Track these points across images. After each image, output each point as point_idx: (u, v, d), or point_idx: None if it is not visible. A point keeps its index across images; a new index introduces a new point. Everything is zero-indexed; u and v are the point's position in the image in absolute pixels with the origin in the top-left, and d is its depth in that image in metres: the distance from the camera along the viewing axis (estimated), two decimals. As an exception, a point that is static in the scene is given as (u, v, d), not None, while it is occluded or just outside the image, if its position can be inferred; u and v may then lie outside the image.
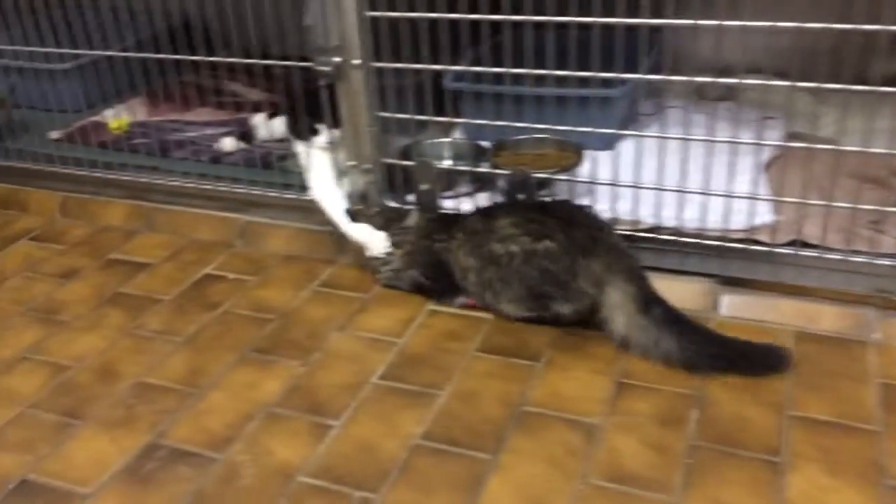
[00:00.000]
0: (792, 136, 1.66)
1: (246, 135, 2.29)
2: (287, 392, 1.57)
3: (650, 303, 1.59)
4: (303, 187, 2.02)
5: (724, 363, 1.54)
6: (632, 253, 1.65)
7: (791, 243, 1.74)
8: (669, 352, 1.55)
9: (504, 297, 1.70)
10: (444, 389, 1.56)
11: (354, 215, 1.91)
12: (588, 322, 1.65)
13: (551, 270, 1.62)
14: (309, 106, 1.89)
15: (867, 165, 1.85)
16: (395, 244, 1.82)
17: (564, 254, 1.61)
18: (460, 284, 1.76)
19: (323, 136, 1.91)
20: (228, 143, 2.28)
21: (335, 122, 1.91)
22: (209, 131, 2.30)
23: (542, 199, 1.77)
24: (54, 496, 1.35)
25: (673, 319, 1.58)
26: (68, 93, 2.26)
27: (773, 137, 1.74)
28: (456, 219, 1.79)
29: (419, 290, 1.83)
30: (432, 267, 1.79)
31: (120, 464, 1.41)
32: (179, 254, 2.09)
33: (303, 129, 1.92)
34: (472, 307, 1.77)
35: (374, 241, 1.87)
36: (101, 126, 2.37)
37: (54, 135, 2.38)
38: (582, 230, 1.63)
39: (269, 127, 2.24)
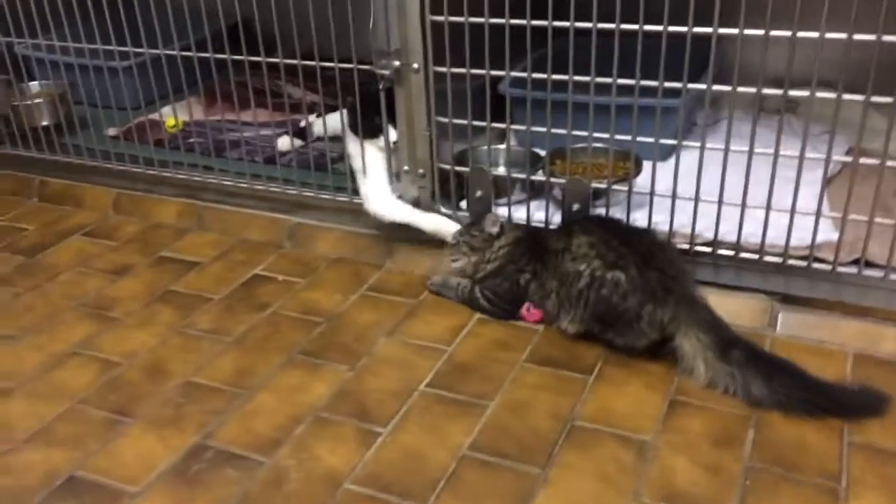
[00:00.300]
0: (856, 152, 1.60)
1: (301, 133, 2.30)
2: (335, 396, 1.56)
3: (729, 346, 1.52)
4: (355, 190, 2.02)
5: (820, 409, 1.46)
6: (705, 303, 1.59)
7: (854, 262, 1.68)
8: (761, 397, 1.48)
9: (565, 313, 1.67)
10: (493, 400, 1.54)
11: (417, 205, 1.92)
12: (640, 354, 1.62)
13: (616, 306, 1.59)
14: (372, 104, 1.88)
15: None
16: (470, 246, 1.81)
17: (633, 292, 1.57)
18: (532, 300, 1.75)
19: (391, 135, 1.90)
20: (283, 142, 2.29)
21: (393, 125, 1.90)
22: (264, 132, 2.31)
23: (626, 223, 1.74)
24: (102, 493, 1.36)
25: (757, 359, 1.51)
26: (127, 90, 2.29)
27: (837, 153, 1.69)
28: (537, 239, 1.77)
29: (469, 304, 1.81)
30: (509, 294, 1.76)
31: (167, 463, 1.41)
32: (229, 253, 2.10)
33: (365, 127, 1.91)
34: (537, 321, 1.75)
35: (447, 226, 1.88)
36: (157, 124, 2.39)
37: (111, 132, 2.41)
38: (657, 273, 1.58)
39: (321, 124, 2.23)
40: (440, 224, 1.90)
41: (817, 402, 1.46)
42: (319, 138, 2.25)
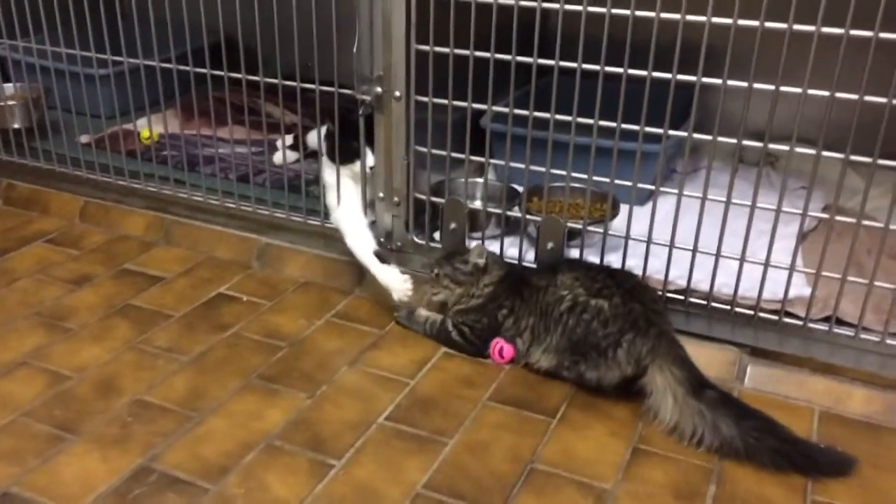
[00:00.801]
0: (833, 209, 1.60)
1: (295, 146, 2.29)
2: (290, 425, 1.51)
3: (702, 386, 1.51)
4: (327, 214, 1.98)
5: (787, 460, 1.43)
6: (681, 344, 1.59)
7: (825, 319, 1.67)
8: (730, 437, 1.45)
9: (538, 345, 1.65)
10: (453, 437, 1.50)
11: (381, 256, 1.87)
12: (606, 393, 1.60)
13: (596, 331, 1.57)
14: (351, 128, 1.86)
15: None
16: (452, 279, 1.76)
17: (614, 320, 1.57)
18: (505, 335, 1.71)
19: (368, 159, 1.87)
20: (278, 157, 2.27)
21: (371, 150, 1.87)
22: (240, 149, 2.28)
23: (611, 267, 1.73)
24: (37, 512, 1.30)
25: (728, 402, 1.50)
26: (103, 99, 2.25)
27: (813, 209, 1.69)
28: (519, 275, 1.74)
29: (437, 337, 1.77)
30: (486, 331, 1.72)
31: (108, 485, 1.35)
32: (195, 270, 2.05)
33: (343, 151, 1.89)
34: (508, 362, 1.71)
35: (399, 285, 1.82)
36: (131, 135, 2.35)
37: (84, 139, 2.37)
38: (641, 306, 1.58)
39: (314, 136, 2.22)
40: (392, 282, 1.83)
41: (785, 452, 1.44)
42: (314, 152, 2.23)
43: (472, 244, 1.87)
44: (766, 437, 1.45)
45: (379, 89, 1.80)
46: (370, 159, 1.88)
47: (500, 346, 1.70)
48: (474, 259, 1.74)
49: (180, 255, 2.11)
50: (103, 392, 1.58)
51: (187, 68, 2.00)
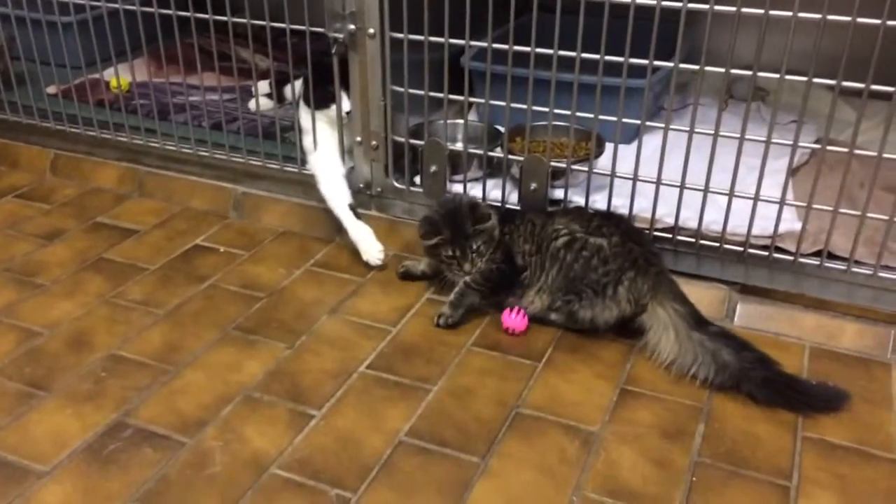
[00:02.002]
0: (825, 140, 1.55)
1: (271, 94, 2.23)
2: (269, 376, 1.47)
3: (702, 321, 1.52)
4: (304, 161, 1.92)
5: (779, 392, 1.42)
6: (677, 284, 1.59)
7: (816, 254, 1.63)
8: (730, 363, 1.44)
9: (534, 286, 1.61)
10: (437, 384, 1.46)
11: (356, 210, 1.81)
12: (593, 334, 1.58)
13: (596, 268, 1.55)
14: (325, 72, 1.78)
15: (903, 177, 1.74)
16: (479, 255, 1.63)
17: (615, 258, 1.55)
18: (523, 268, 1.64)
19: (344, 104, 1.80)
20: (264, 102, 2.21)
21: (347, 94, 1.80)
22: (211, 96, 2.20)
23: (605, 210, 1.69)
24: (6, 471, 1.26)
25: (729, 336, 1.50)
26: (68, 48, 2.16)
27: (804, 142, 1.63)
28: (515, 213, 1.70)
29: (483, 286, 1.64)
30: (507, 255, 1.64)
31: (81, 441, 1.32)
32: (170, 222, 1.99)
33: (318, 96, 1.82)
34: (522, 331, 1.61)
35: (371, 249, 1.78)
36: (100, 84, 2.27)
37: (51, 90, 2.28)
38: (639, 247, 1.57)
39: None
40: (363, 239, 1.78)
41: (779, 383, 1.43)
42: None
43: (453, 187, 1.82)
44: (761, 368, 1.44)
45: (352, 26, 1.72)
46: (346, 104, 1.81)
47: (515, 312, 1.60)
48: (490, 232, 1.64)
49: (155, 207, 2.05)
50: (76, 348, 1.53)
51: (151, 10, 1.91)
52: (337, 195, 1.82)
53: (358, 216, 1.82)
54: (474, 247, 1.63)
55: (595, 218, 1.62)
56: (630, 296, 1.55)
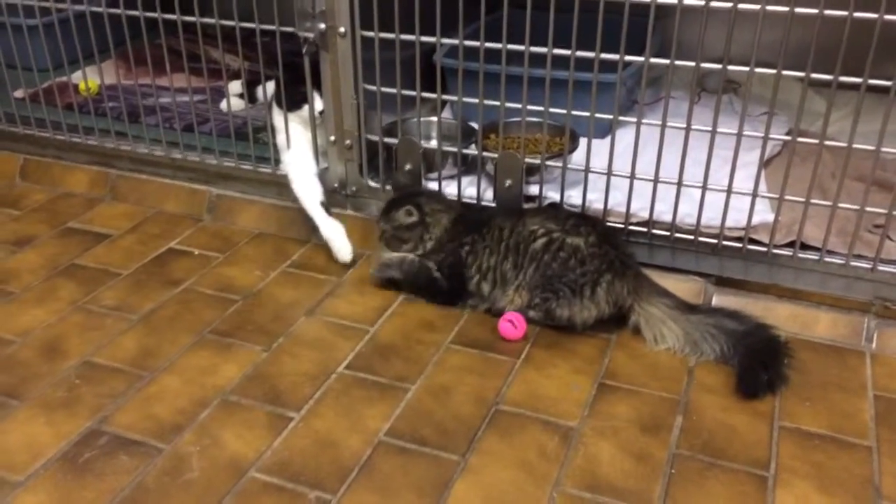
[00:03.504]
0: (795, 131, 1.56)
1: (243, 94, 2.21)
2: (246, 379, 1.46)
3: (693, 306, 1.58)
4: (278, 161, 1.91)
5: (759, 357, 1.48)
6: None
7: (790, 245, 1.65)
8: (735, 329, 1.51)
9: (512, 284, 1.60)
10: (415, 383, 1.46)
11: (328, 208, 1.81)
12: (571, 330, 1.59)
13: (574, 269, 1.55)
14: (297, 73, 1.77)
15: (874, 168, 1.76)
16: (397, 238, 1.69)
17: (591, 259, 1.55)
18: (471, 290, 1.66)
19: (317, 104, 1.80)
20: (236, 102, 2.19)
21: (319, 94, 1.79)
22: (182, 98, 2.18)
23: (577, 212, 1.71)
24: (-19, 482, 1.24)
25: (721, 309, 1.59)
26: (34, 50, 2.13)
27: (776, 134, 1.65)
28: (481, 218, 1.69)
29: (418, 278, 1.68)
30: (458, 267, 1.65)
31: (56, 450, 1.30)
32: (143, 225, 1.97)
33: (289, 98, 1.80)
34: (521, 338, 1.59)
35: (342, 247, 1.77)
36: (69, 87, 2.24)
37: (18, 94, 2.25)
38: (614, 249, 1.58)
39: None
40: (335, 237, 1.78)
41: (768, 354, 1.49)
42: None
43: (429, 185, 1.82)
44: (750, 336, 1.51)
45: (322, 25, 1.71)
46: (318, 104, 1.80)
47: (512, 318, 1.58)
48: (401, 220, 1.67)
49: (127, 211, 2.03)
50: (48, 355, 1.51)
51: (118, 11, 1.89)
52: (309, 193, 1.81)
53: (330, 214, 1.81)
54: (399, 233, 1.68)
55: (571, 217, 1.62)
56: (609, 298, 1.55)
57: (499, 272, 1.62)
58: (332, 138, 1.85)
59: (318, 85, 1.79)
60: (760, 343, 1.50)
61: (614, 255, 1.57)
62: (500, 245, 1.62)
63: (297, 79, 1.78)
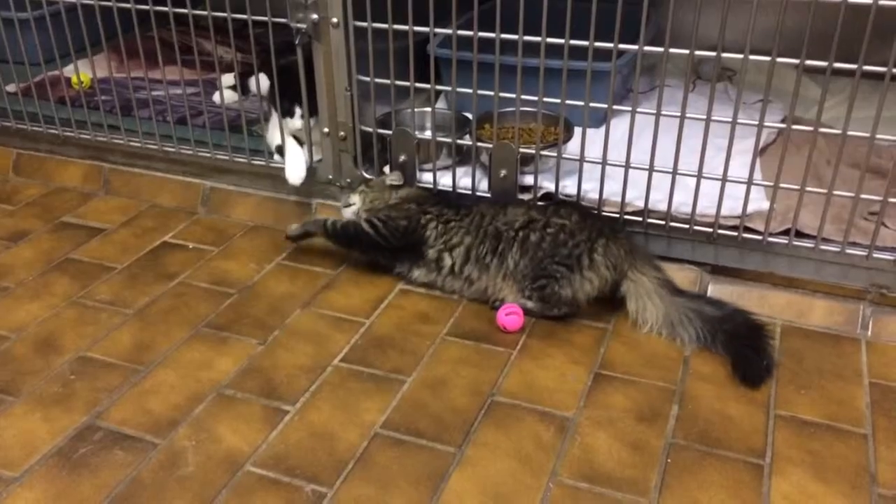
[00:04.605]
0: (790, 119, 1.56)
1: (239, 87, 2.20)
2: (241, 372, 1.46)
3: (679, 290, 1.60)
4: (272, 153, 1.90)
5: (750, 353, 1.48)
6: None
7: (785, 232, 1.64)
8: (714, 315, 1.52)
9: (498, 272, 1.61)
10: (411, 375, 1.46)
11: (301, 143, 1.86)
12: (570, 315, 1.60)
13: (565, 242, 1.57)
14: (290, 80, 1.77)
15: (868, 154, 1.75)
16: (367, 187, 1.79)
17: (581, 230, 1.58)
18: (424, 259, 1.67)
19: (297, 119, 1.82)
20: (229, 95, 2.16)
21: (310, 92, 1.79)
22: (176, 91, 2.17)
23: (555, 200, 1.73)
24: (-23, 479, 1.24)
25: (705, 296, 1.62)
26: (28, 44, 2.11)
27: (770, 121, 1.64)
28: (459, 199, 1.73)
29: (339, 235, 1.71)
30: (404, 232, 1.67)
31: (51, 446, 1.29)
32: (137, 219, 1.96)
33: (284, 107, 1.81)
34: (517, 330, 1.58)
35: (296, 169, 1.81)
36: (61, 81, 2.22)
37: (10, 88, 2.24)
38: (599, 221, 1.62)
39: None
40: (292, 157, 1.83)
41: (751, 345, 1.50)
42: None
43: (423, 176, 1.81)
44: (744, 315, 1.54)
45: (315, 16, 1.70)
46: (297, 120, 1.83)
47: (506, 309, 1.58)
48: (390, 180, 1.76)
49: (121, 205, 2.02)
50: (43, 350, 1.51)
51: (110, 3, 1.87)
52: (275, 134, 1.86)
53: (301, 145, 1.85)
54: (370, 187, 1.77)
55: (550, 206, 1.65)
56: (608, 261, 1.57)
57: (473, 254, 1.63)
58: (326, 130, 1.85)
59: (310, 90, 1.78)
60: (741, 328, 1.51)
61: (602, 223, 1.61)
62: (478, 230, 1.64)
63: (291, 88, 1.78)
